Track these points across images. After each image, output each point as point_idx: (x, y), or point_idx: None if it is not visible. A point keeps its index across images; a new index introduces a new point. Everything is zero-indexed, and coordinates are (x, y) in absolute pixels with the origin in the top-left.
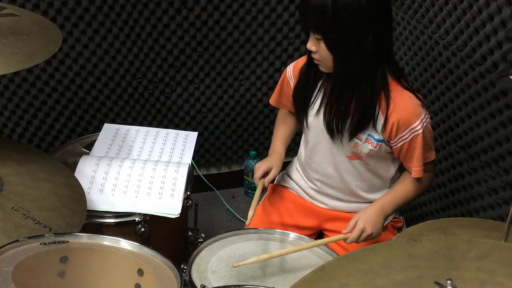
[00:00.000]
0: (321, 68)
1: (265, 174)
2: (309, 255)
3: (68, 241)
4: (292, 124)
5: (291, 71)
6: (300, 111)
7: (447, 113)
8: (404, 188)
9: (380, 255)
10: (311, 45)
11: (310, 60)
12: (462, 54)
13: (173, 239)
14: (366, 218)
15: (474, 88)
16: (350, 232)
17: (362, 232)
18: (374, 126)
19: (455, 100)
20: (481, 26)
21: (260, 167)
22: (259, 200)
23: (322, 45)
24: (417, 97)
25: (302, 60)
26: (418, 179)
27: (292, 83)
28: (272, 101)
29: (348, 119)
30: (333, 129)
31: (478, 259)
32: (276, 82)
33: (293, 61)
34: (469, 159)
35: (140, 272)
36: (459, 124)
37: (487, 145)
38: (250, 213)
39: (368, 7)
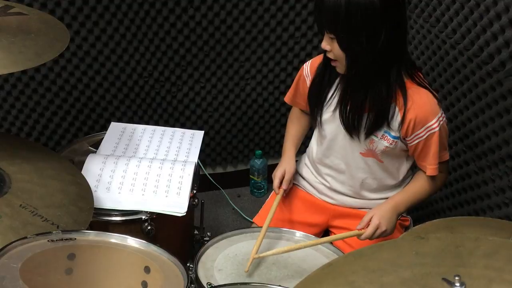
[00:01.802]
0: (338, 70)
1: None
2: (316, 254)
3: (75, 238)
4: (304, 123)
5: (308, 69)
6: (314, 108)
7: (454, 112)
8: (418, 187)
9: (387, 252)
10: (325, 44)
11: (325, 59)
12: (469, 53)
13: (179, 237)
14: (381, 214)
15: (482, 87)
16: (364, 228)
17: (377, 228)
18: (391, 123)
19: (462, 99)
20: (489, 25)
21: (275, 175)
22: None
23: (336, 44)
24: (434, 95)
25: (318, 58)
26: (432, 179)
27: (308, 81)
28: (287, 99)
29: (364, 116)
30: (350, 125)
31: (485, 257)
32: (282, 81)
33: (298, 60)
34: (476, 159)
35: (147, 270)
36: (466, 124)
37: (495, 144)
38: (251, 258)
39: (381, 7)
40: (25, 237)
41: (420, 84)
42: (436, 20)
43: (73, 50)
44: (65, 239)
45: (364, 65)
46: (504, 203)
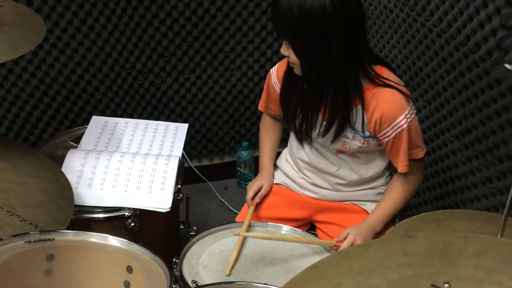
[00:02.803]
0: (295, 71)
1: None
2: (302, 248)
3: (54, 239)
4: (278, 132)
5: (275, 76)
6: (287, 115)
7: (441, 101)
8: (391, 201)
9: (374, 252)
10: (284, 50)
11: (289, 65)
12: (455, 41)
13: (164, 233)
14: (357, 232)
15: (468, 76)
16: (341, 241)
17: (352, 243)
18: (358, 125)
19: (449, 88)
20: (475, 13)
21: (251, 187)
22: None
23: (291, 51)
24: (401, 92)
25: (282, 64)
26: (405, 184)
27: (277, 88)
28: (261, 107)
29: (317, 123)
30: (301, 134)
31: (475, 256)
32: (267, 71)
33: None
34: (463, 148)
35: (129, 269)
36: (452, 113)
37: (481, 134)
38: (231, 260)
39: (333, 15)
40: (1, 239)
41: (382, 85)
42: (422, 8)
43: (52, 41)
44: (43, 240)
45: (319, 72)
46: (491, 193)
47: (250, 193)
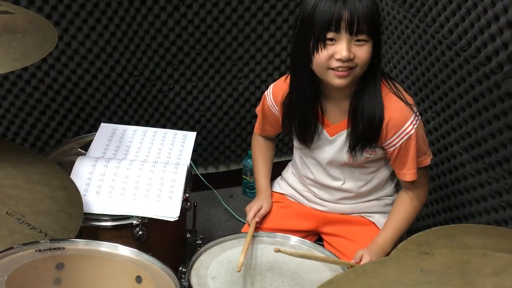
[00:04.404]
0: (343, 81)
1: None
2: (310, 260)
3: (64, 248)
4: (271, 152)
5: (272, 99)
6: (303, 140)
7: (450, 114)
8: (400, 220)
9: (390, 269)
10: (348, 53)
11: (312, 85)
12: (466, 54)
13: (171, 241)
14: (370, 252)
15: (478, 89)
16: (357, 262)
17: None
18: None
19: (459, 100)
20: (486, 26)
21: (251, 208)
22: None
23: (364, 49)
24: (403, 100)
25: (279, 86)
26: (413, 200)
27: (276, 111)
28: (257, 130)
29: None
30: (355, 147)
31: (494, 275)
32: (275, 80)
33: None
34: (472, 161)
35: (139, 279)
36: (462, 125)
37: (491, 147)
38: (241, 259)
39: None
40: (12, 248)
41: (391, 90)
42: (432, 20)
43: (61, 48)
44: (53, 249)
45: (377, 69)
46: (500, 206)
47: (250, 215)
